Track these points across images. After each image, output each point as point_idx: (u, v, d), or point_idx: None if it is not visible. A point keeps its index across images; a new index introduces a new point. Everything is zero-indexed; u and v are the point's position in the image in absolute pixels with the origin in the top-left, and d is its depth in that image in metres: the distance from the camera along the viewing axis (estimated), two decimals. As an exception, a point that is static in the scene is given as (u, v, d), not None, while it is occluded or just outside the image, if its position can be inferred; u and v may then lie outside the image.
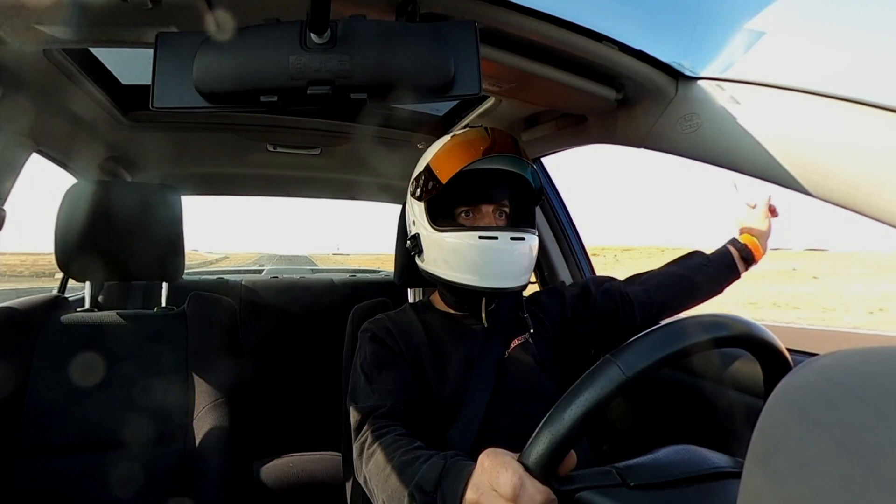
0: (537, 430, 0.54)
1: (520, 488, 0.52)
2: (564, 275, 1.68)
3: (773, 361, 0.61)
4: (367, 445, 0.80)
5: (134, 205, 1.14)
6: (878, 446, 0.28)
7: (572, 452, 0.55)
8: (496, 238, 0.89)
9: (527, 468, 0.54)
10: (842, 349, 0.36)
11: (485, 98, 1.32)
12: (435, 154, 0.95)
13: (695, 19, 0.96)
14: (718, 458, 0.60)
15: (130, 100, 1.32)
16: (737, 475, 0.56)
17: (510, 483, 0.52)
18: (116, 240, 1.14)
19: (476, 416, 0.90)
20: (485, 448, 0.87)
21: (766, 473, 0.34)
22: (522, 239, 0.91)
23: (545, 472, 0.53)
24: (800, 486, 0.31)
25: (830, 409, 0.32)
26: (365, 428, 0.84)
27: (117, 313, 1.17)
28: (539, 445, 0.53)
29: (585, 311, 1.07)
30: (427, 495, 0.63)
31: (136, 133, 1.44)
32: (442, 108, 1.51)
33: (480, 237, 0.89)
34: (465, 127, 1.03)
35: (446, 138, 0.97)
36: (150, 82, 0.62)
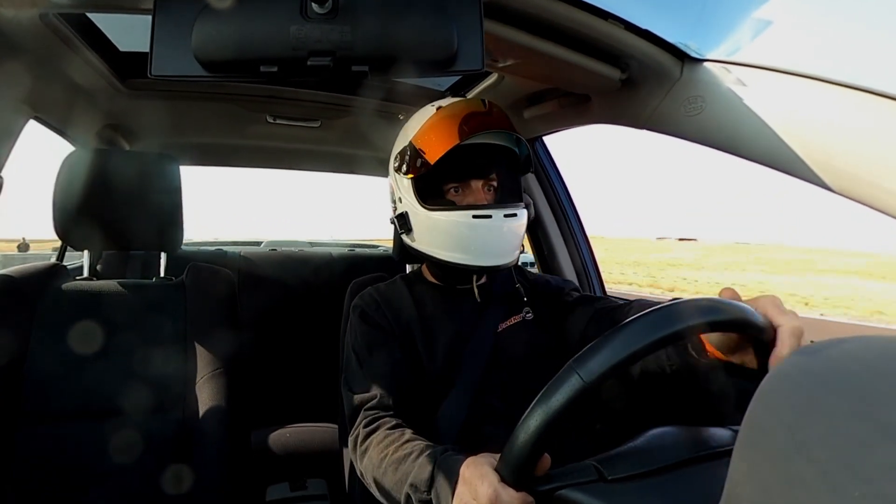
0: (509, 439, 0.56)
1: (495, 499, 0.55)
2: (563, 254, 1.68)
3: (764, 339, 0.60)
4: (359, 441, 0.83)
5: (132, 174, 1.13)
6: (873, 430, 0.29)
7: (546, 455, 0.57)
8: (490, 217, 0.88)
9: (502, 478, 0.56)
10: (837, 336, 0.36)
11: (487, 74, 1.30)
12: (421, 129, 0.92)
13: (703, 1, 0.95)
14: (704, 437, 0.60)
15: (128, 67, 1.30)
16: (719, 456, 0.57)
17: (486, 495, 0.56)
18: (115, 209, 1.14)
19: (467, 392, 0.90)
20: (476, 426, 0.89)
21: (757, 455, 0.34)
22: (515, 215, 0.90)
23: (520, 478, 0.55)
24: (795, 467, 0.31)
25: (827, 393, 0.32)
26: (357, 421, 0.86)
27: (117, 282, 1.17)
28: (511, 455, 0.55)
29: (575, 316, 1.00)
30: (422, 494, 0.66)
31: (134, 101, 1.42)
32: (444, 82, 1.49)
33: (474, 216, 0.88)
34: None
35: (430, 111, 0.93)
36: (148, 49, 0.62)
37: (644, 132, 1.02)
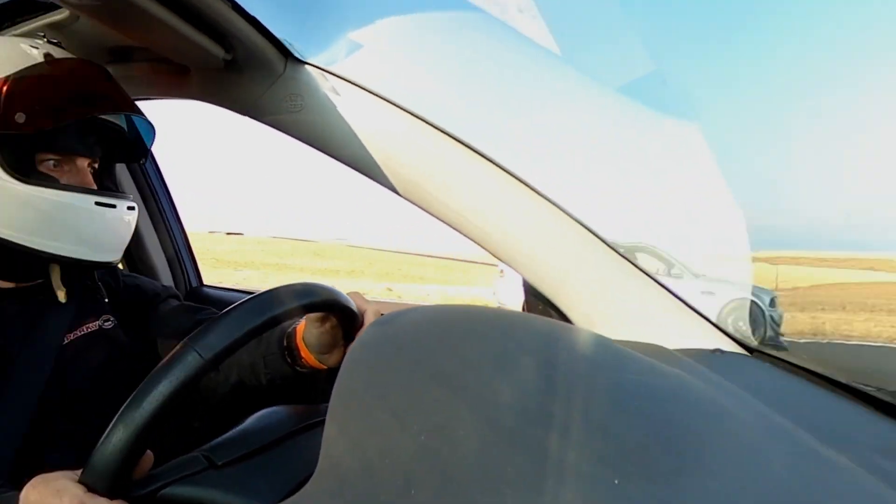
0: (102, 438, 0.47)
1: None
2: (152, 242, 1.51)
3: (352, 325, 0.70)
4: None
5: None
6: (428, 377, 0.36)
7: (148, 452, 0.51)
8: (115, 206, 0.75)
9: (90, 487, 0.47)
10: (402, 309, 0.45)
11: (55, 7, 1.03)
12: (19, 77, 0.70)
13: (311, 5, 1.01)
14: (305, 412, 0.66)
15: None
16: (317, 425, 0.62)
17: None
18: None
19: (21, 416, 0.71)
20: (36, 455, 0.71)
21: (348, 413, 0.39)
22: (134, 209, 0.80)
23: (117, 483, 0.47)
24: (377, 416, 0.36)
25: (396, 353, 0.39)
26: None
27: None
28: (101, 458, 0.47)
29: (172, 327, 0.93)
30: None
31: None
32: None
33: (97, 203, 0.73)
34: (25, 35, 0.80)
35: (31, 53, 0.73)
36: None
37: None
